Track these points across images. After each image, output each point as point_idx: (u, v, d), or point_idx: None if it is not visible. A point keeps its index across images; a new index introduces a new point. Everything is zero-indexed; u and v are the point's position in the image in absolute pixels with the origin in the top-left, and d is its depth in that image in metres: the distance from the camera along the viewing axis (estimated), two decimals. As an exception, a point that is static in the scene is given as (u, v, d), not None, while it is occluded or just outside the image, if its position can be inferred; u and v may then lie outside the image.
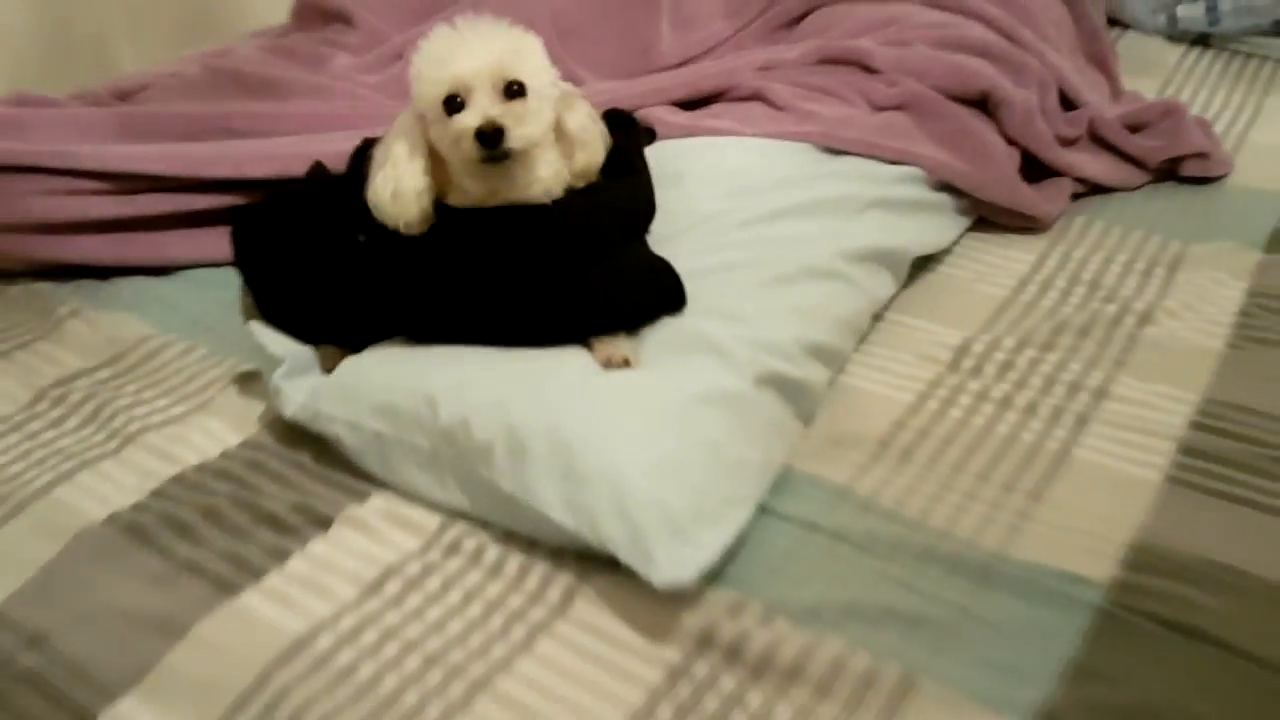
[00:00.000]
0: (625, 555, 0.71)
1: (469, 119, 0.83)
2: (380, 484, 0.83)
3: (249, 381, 0.95)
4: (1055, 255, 1.11)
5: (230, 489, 0.83)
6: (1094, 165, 1.22)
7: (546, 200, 0.88)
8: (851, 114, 1.16)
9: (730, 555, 0.75)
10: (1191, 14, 1.57)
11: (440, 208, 0.88)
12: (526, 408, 0.77)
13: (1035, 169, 1.20)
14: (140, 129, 1.12)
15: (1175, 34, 1.60)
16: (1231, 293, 1.04)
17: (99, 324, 1.03)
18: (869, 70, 1.22)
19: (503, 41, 0.85)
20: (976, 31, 1.27)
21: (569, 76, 0.98)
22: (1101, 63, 1.44)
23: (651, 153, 1.06)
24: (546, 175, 0.88)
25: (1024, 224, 1.15)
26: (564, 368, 0.82)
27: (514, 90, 0.85)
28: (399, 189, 0.86)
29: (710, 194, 1.02)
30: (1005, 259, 1.11)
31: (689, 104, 1.22)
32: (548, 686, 0.68)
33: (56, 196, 1.05)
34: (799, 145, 1.10)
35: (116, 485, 0.84)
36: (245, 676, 0.68)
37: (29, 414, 0.92)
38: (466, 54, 0.84)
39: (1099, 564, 0.76)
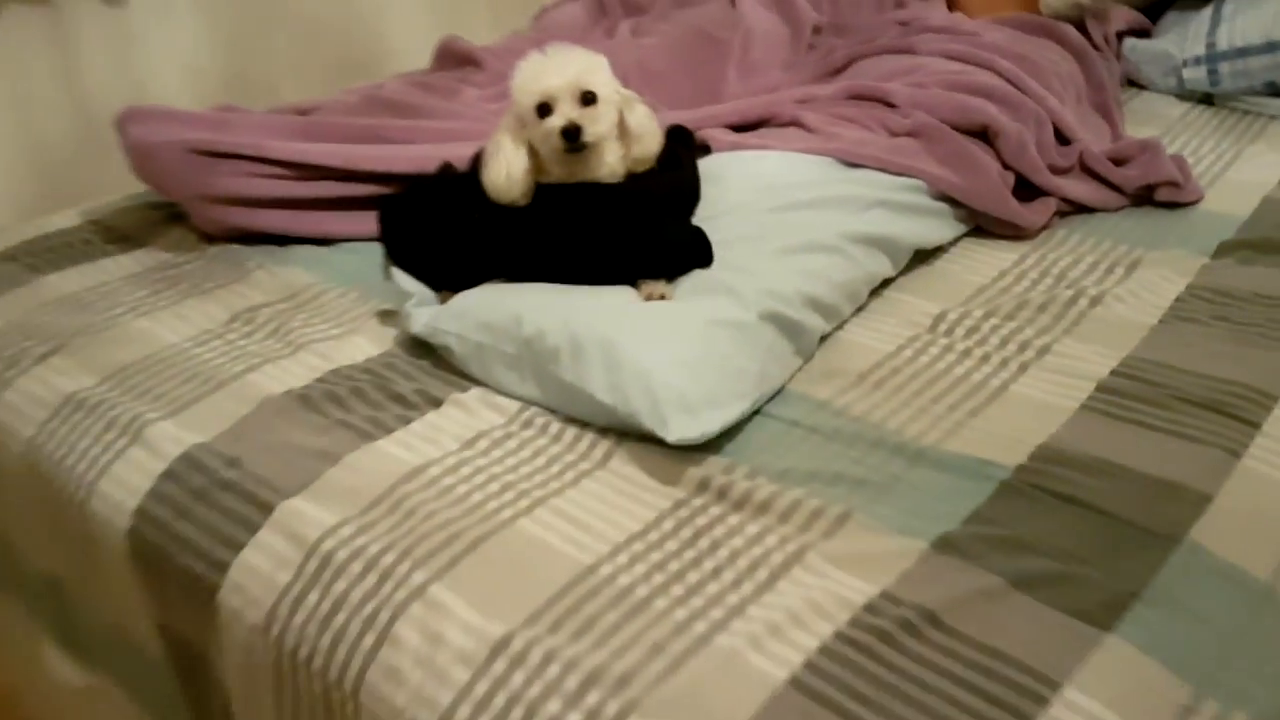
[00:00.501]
0: (648, 421, 0.98)
1: (556, 121, 1.12)
2: (478, 382, 1.11)
3: (386, 316, 1.24)
4: (1034, 255, 1.35)
5: (371, 379, 1.12)
6: (1078, 189, 1.45)
7: (612, 180, 1.16)
8: (870, 137, 1.42)
9: (728, 436, 1.01)
10: (1195, 76, 1.79)
11: (536, 186, 1.17)
12: (586, 322, 1.05)
13: (1029, 190, 1.44)
14: (314, 133, 1.44)
15: (1183, 93, 1.82)
16: (1174, 286, 1.26)
17: (277, 274, 1.34)
18: (889, 105, 1.48)
19: (579, 62, 1.14)
20: (984, 78, 1.52)
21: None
22: (1105, 111, 1.67)
23: (703, 162, 1.34)
24: (612, 160, 1.17)
25: (1013, 232, 1.39)
26: (616, 298, 1.10)
27: (588, 98, 1.14)
28: (510, 172, 1.15)
29: (742, 189, 1.29)
30: (993, 256, 1.35)
31: (739, 128, 1.50)
32: (588, 506, 0.94)
33: (249, 178, 1.37)
34: (822, 159, 1.37)
35: (291, 374, 1.13)
36: (378, 488, 0.96)
37: (226, 328, 1.23)
38: (553, 72, 1.13)
39: (1011, 455, 0.99)
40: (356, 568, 0.89)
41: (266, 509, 0.96)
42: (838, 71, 1.65)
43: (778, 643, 0.80)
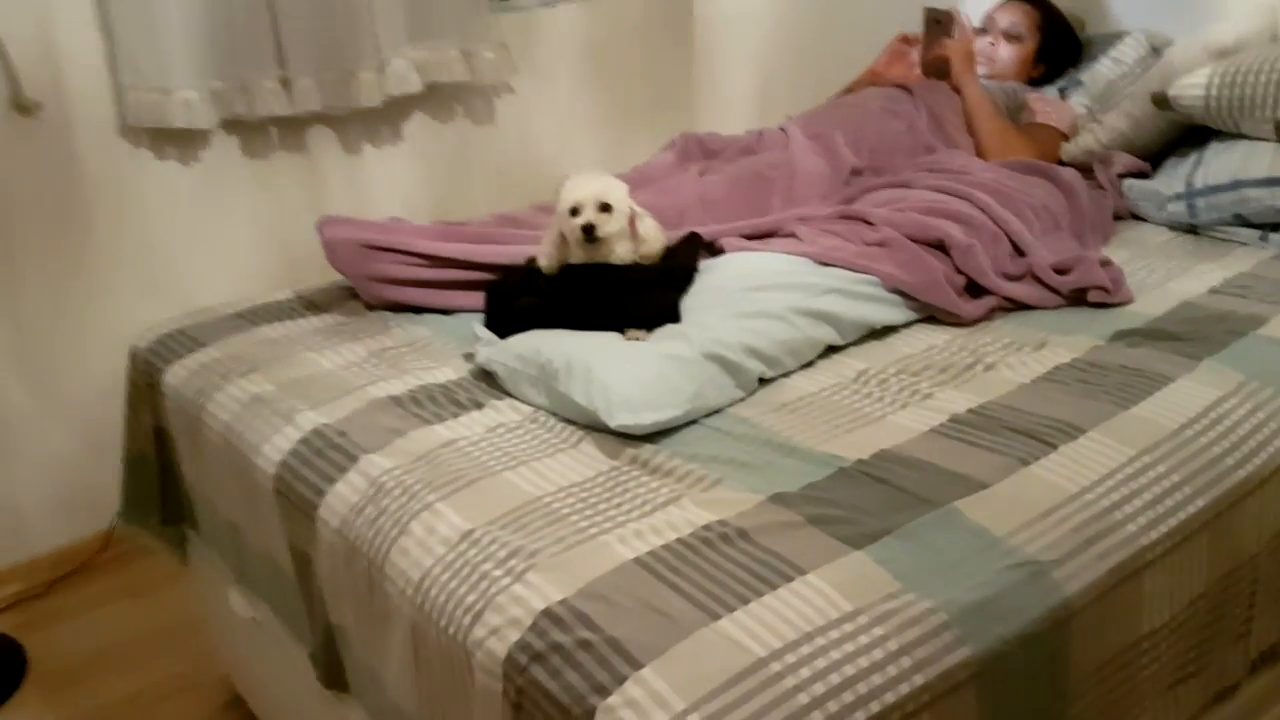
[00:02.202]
0: (603, 415, 1.39)
1: (579, 220, 1.58)
2: (512, 395, 1.55)
3: (469, 356, 1.70)
4: (965, 337, 1.68)
5: (443, 391, 1.57)
6: (1020, 290, 1.77)
7: (619, 263, 1.61)
8: (844, 245, 1.81)
9: (666, 433, 1.40)
10: (1176, 210, 2.07)
11: (567, 263, 1.63)
12: (579, 353, 1.48)
13: (979, 289, 1.78)
14: (448, 235, 1.94)
15: (1173, 224, 2.10)
16: (1059, 359, 1.56)
17: (409, 330, 1.82)
18: (868, 223, 1.87)
19: (602, 183, 1.61)
20: (954, 205, 1.88)
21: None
22: (1079, 234, 1.99)
23: (713, 259, 1.77)
24: (621, 251, 1.62)
25: (954, 320, 1.72)
26: (605, 339, 1.53)
27: (605, 207, 1.59)
28: (547, 250, 1.62)
29: (729, 275, 1.71)
30: (932, 336, 1.69)
31: (753, 236, 1.91)
32: (553, 467, 1.35)
33: (399, 265, 1.88)
34: (800, 259, 1.76)
35: (394, 387, 1.59)
36: (424, 449, 1.41)
37: (364, 360, 1.71)
38: (583, 187, 1.60)
39: (858, 454, 1.33)
40: (396, 491, 1.33)
41: (354, 460, 1.42)
42: (853, 200, 2.04)
43: (636, 540, 1.18)
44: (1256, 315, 1.65)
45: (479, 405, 1.53)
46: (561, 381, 1.46)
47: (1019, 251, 1.85)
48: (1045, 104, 2.41)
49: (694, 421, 1.45)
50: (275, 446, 1.52)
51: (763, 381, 1.55)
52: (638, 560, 1.14)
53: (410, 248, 1.88)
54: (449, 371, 1.65)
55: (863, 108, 2.34)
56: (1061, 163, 2.29)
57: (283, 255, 2.69)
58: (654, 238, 1.67)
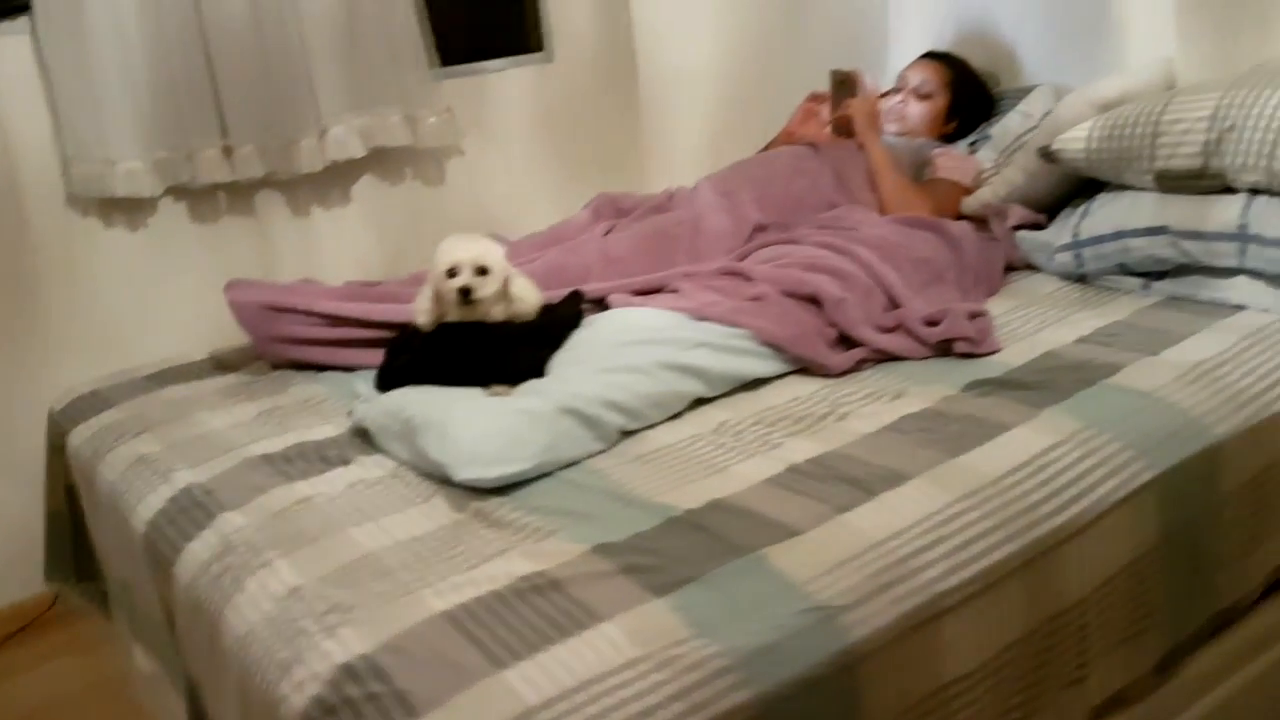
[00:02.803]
0: (450, 469, 1.42)
1: (457, 282, 1.63)
2: (380, 449, 1.59)
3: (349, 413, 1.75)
4: (830, 387, 1.70)
5: (315, 448, 1.62)
6: (889, 341, 1.80)
7: (491, 321, 1.66)
8: (721, 300, 1.84)
9: (521, 485, 1.44)
10: (1064, 260, 2.10)
11: (442, 322, 1.68)
12: (436, 408, 1.52)
13: (852, 341, 1.81)
14: (350, 296, 1.99)
15: (1065, 275, 2.13)
16: (910, 409, 1.59)
17: (305, 389, 1.87)
18: (748, 279, 1.90)
19: (479, 247, 1.67)
20: (833, 260, 1.92)
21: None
22: (964, 288, 2.02)
23: (595, 316, 1.81)
24: (495, 311, 1.66)
25: (822, 371, 1.75)
26: (466, 395, 1.57)
27: (481, 270, 1.64)
28: (420, 307, 1.67)
29: (606, 330, 1.75)
30: (799, 387, 1.71)
31: (642, 292, 1.95)
32: (400, 523, 1.38)
33: (300, 326, 1.94)
34: (678, 314, 1.80)
35: (272, 444, 1.64)
36: (279, 506, 1.45)
37: (253, 420, 1.75)
38: (460, 251, 1.65)
39: (691, 503, 1.36)
40: (242, 549, 1.37)
41: (212, 517, 1.46)
42: (745, 256, 2.08)
43: (452, 593, 1.21)
44: (1113, 364, 1.67)
45: (345, 462, 1.57)
46: (419, 436, 1.50)
47: (896, 304, 1.88)
48: (950, 159, 2.45)
49: (548, 474, 1.48)
50: (148, 505, 1.56)
51: (628, 433, 1.59)
52: (446, 613, 1.17)
53: (311, 308, 1.93)
54: (330, 429, 1.70)
55: (770, 166, 2.40)
56: (961, 216, 2.32)
57: (230, 318, 2.74)
58: (526, 297, 1.72)
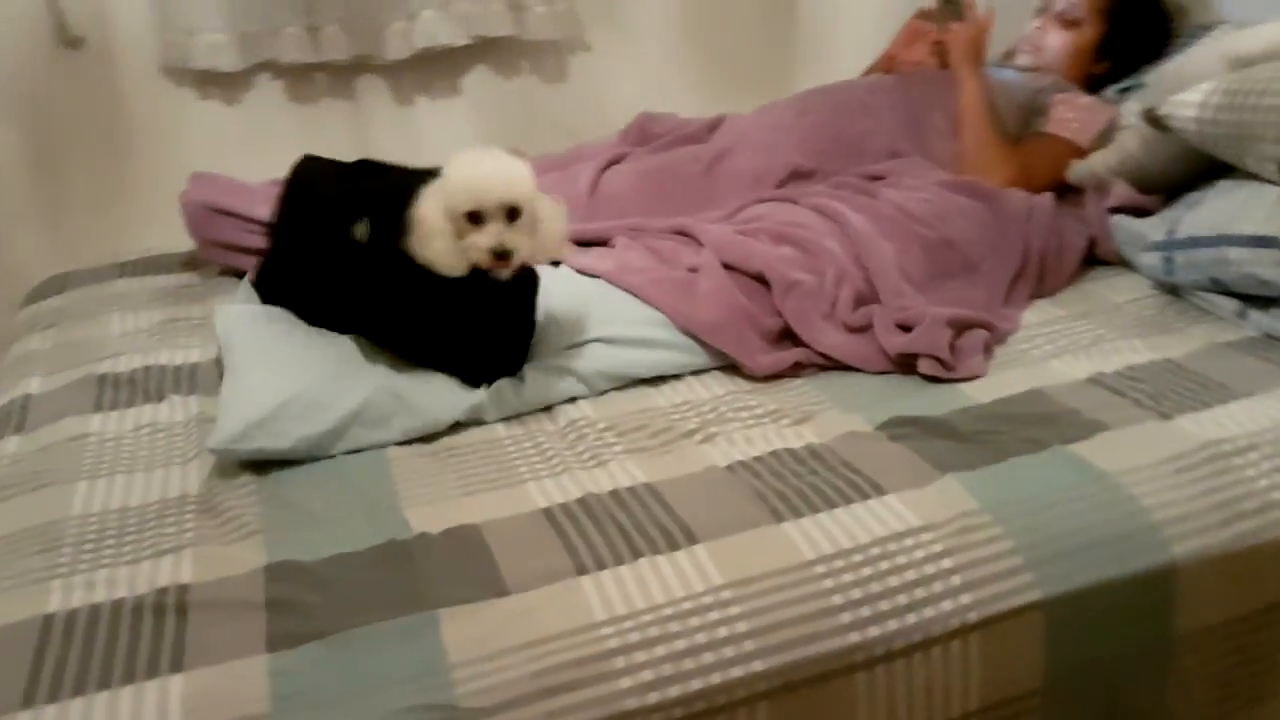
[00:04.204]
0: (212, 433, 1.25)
1: (486, 240, 1.24)
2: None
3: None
4: (746, 393, 1.37)
5: (158, 373, 1.50)
6: (838, 344, 1.44)
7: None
8: (650, 266, 1.53)
9: (284, 465, 1.25)
10: (1151, 263, 1.61)
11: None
12: (255, 350, 1.35)
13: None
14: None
15: (1156, 281, 1.64)
16: (790, 444, 1.25)
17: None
18: (699, 243, 1.57)
19: (506, 171, 1.26)
20: (814, 231, 1.55)
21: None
22: (998, 282, 1.59)
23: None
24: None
25: (747, 370, 1.42)
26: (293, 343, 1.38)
27: (513, 211, 1.25)
28: (439, 251, 1.27)
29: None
30: (708, 388, 1.40)
31: (585, 243, 1.67)
32: (134, 489, 1.24)
33: (237, 231, 1.81)
34: (596, 281, 1.51)
35: (139, 360, 1.54)
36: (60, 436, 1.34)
37: (147, 333, 1.67)
38: (483, 180, 1.24)
39: (429, 525, 1.12)
40: (-13, 482, 1.27)
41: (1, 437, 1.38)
42: (739, 210, 1.74)
43: (81, 591, 1.05)
44: (1098, 421, 1.24)
45: (161, 397, 1.43)
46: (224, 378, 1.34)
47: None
48: (1071, 108, 1.94)
49: (330, 456, 1.27)
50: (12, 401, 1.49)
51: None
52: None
53: (249, 213, 1.80)
54: (197, 354, 1.56)
55: (838, 98, 1.99)
56: (1064, 186, 1.84)
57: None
58: (553, 232, 1.31)
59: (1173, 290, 1.61)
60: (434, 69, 2.66)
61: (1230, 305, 1.52)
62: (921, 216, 1.62)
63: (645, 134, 2.07)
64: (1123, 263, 1.72)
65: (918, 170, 1.82)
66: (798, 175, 1.87)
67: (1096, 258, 1.73)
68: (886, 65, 2.20)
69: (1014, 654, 1.05)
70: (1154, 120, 1.62)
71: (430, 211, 1.25)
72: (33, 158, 2.43)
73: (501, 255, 1.24)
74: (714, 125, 2.04)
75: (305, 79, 2.60)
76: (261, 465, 1.25)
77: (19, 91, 2.34)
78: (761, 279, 1.49)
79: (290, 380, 1.30)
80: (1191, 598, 1.10)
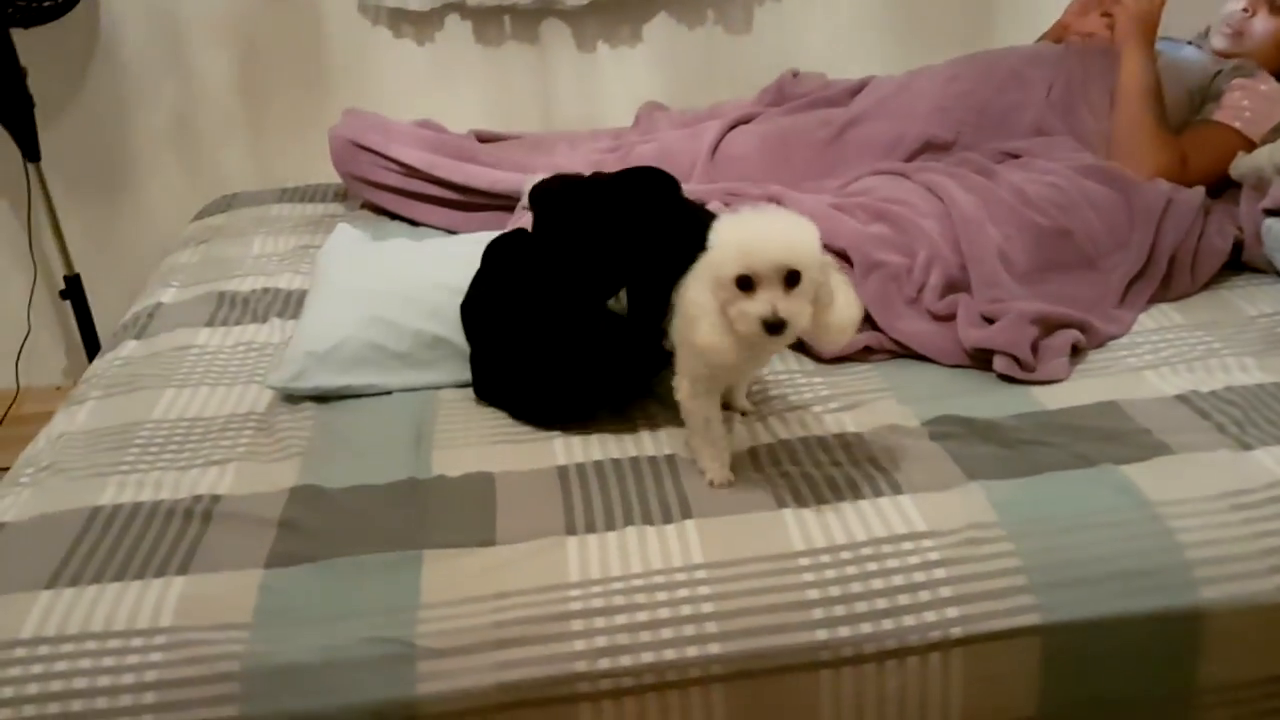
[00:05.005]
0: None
1: (758, 309, 1.00)
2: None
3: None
4: (810, 375, 1.35)
5: (273, 296, 1.60)
6: (914, 332, 1.37)
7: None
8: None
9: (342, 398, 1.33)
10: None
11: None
12: (336, 287, 1.43)
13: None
14: (433, 146, 1.91)
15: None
16: (829, 430, 1.22)
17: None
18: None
19: (788, 233, 1.02)
20: (915, 211, 1.49)
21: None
22: (1115, 280, 1.48)
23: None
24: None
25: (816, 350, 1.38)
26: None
27: (793, 277, 1.01)
28: (707, 335, 1.06)
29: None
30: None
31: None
32: (199, 402, 1.34)
33: (376, 168, 1.89)
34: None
35: (261, 282, 1.65)
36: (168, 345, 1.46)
37: (279, 257, 1.78)
38: (759, 240, 1.01)
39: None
40: (92, 379, 1.41)
41: (123, 341, 1.51)
42: (850, 183, 1.68)
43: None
44: (1163, 444, 1.14)
45: (265, 319, 1.53)
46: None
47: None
48: (1250, 97, 1.75)
49: (387, 393, 1.33)
50: (133, 307, 1.64)
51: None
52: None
53: (385, 151, 1.88)
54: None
55: (988, 67, 1.87)
56: (1226, 181, 1.67)
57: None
58: (846, 320, 1.07)
59: (1324, 310, 1.45)
60: (617, 15, 2.67)
61: (1380, 330, 1.35)
62: (1040, 202, 1.52)
63: (783, 94, 2.02)
64: (1275, 271, 1.55)
65: (1060, 150, 1.69)
66: (933, 147, 1.78)
67: (1243, 263, 1.57)
68: (1058, 34, 2.05)
69: (1003, 677, 0.99)
70: (1320, 116, 1.44)
71: (699, 294, 1.06)
72: (241, 84, 2.60)
73: (774, 327, 1.01)
74: (858, 89, 1.97)
75: (492, 21, 2.66)
76: (319, 398, 1.33)
77: (231, 22, 2.51)
78: (845, 256, 1.44)
79: (349, 320, 1.34)
80: (1222, 646, 1.00)
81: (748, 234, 1.01)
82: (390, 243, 1.58)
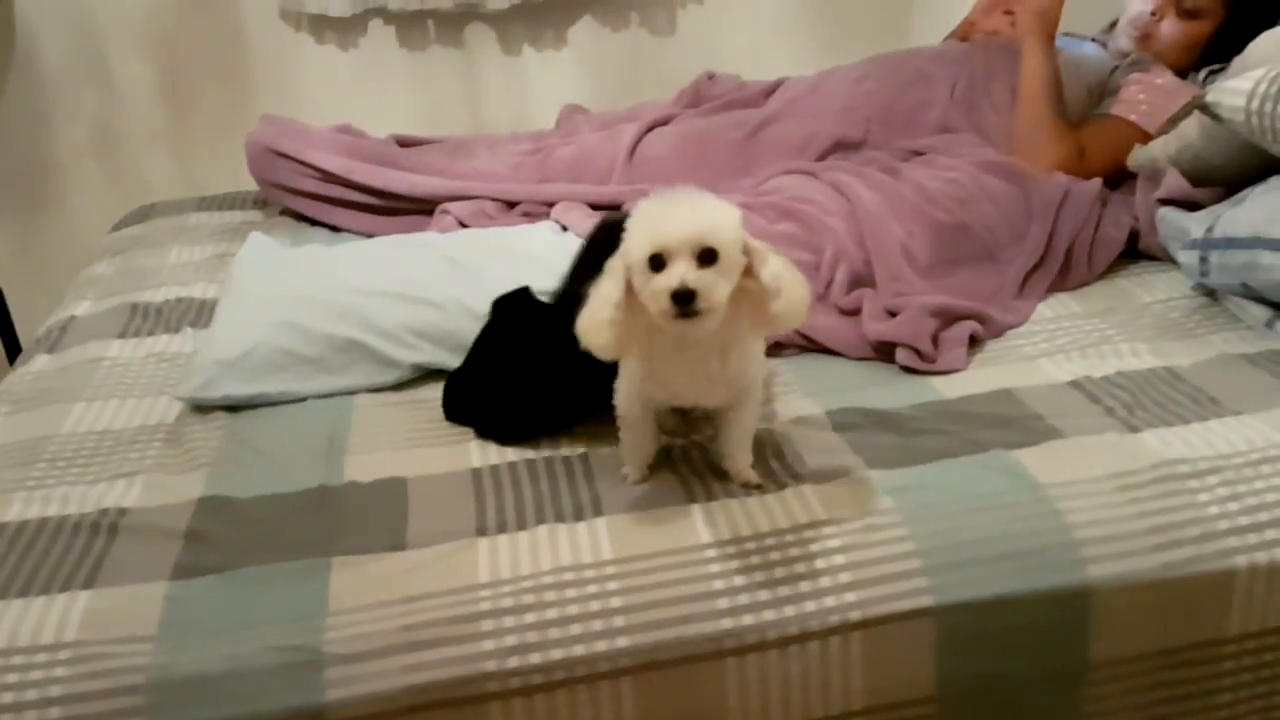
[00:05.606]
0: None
1: (667, 281, 0.94)
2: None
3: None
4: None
5: (185, 306, 1.59)
6: (822, 326, 1.39)
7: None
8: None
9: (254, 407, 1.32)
10: (1189, 262, 1.48)
11: None
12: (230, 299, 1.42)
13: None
14: (350, 151, 1.90)
15: (1194, 281, 1.52)
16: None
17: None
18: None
19: (703, 212, 0.96)
20: (820, 209, 1.51)
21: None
22: (1011, 271, 1.51)
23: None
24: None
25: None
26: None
27: (707, 255, 0.95)
28: (597, 321, 1.00)
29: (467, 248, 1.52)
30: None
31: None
32: (107, 415, 1.33)
33: (294, 175, 1.88)
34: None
35: (173, 292, 1.64)
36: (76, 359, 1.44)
37: (193, 266, 1.76)
38: (670, 219, 0.95)
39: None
40: (4, 395, 1.39)
41: (34, 356, 1.49)
42: (763, 181, 1.70)
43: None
44: (1054, 429, 1.17)
45: (178, 329, 1.52)
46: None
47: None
48: (1145, 91, 1.80)
49: (301, 400, 1.33)
50: (49, 318, 1.62)
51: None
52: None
53: (301, 157, 1.87)
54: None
55: (895, 67, 1.91)
56: (1124, 173, 1.71)
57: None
58: (792, 294, 0.98)
59: (1210, 293, 1.49)
60: (541, 19, 2.67)
61: (1261, 313, 1.40)
62: (941, 198, 1.55)
63: (699, 96, 2.03)
64: (1170, 259, 1.60)
65: (963, 147, 1.73)
66: (844, 146, 1.81)
67: (1140, 252, 1.62)
68: (965, 32, 2.09)
69: (900, 658, 1.02)
70: (1203, 107, 1.49)
71: (605, 285, 1.00)
72: (163, 92, 2.57)
73: (683, 297, 0.93)
74: (772, 90, 1.99)
75: (416, 25, 2.65)
76: (231, 408, 1.32)
77: (151, 30, 2.47)
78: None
79: (259, 326, 1.34)
80: (1109, 624, 1.03)
81: (657, 212, 0.97)
82: (302, 249, 1.57)
